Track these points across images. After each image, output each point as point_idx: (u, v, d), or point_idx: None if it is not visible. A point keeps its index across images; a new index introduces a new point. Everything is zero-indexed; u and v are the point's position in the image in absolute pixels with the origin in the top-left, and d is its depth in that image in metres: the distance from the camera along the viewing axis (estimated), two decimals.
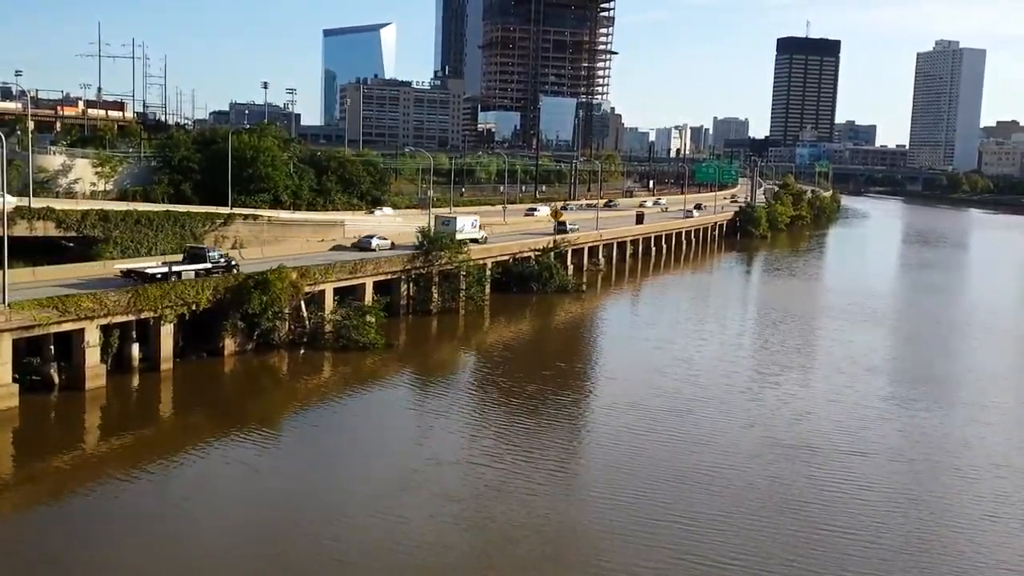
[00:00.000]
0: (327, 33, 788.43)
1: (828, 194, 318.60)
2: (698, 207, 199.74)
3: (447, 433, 56.06)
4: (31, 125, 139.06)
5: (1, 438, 51.92)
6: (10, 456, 50.89)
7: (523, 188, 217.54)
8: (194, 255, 72.74)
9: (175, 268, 68.83)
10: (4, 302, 54.43)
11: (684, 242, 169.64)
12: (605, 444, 55.52)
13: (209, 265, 71.38)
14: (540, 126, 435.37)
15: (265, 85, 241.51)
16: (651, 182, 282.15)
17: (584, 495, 47.12)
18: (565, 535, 41.81)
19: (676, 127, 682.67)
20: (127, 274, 68.18)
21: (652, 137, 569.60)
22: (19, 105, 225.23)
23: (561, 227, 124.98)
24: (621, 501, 45.62)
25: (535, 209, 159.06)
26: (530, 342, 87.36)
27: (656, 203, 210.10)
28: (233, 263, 74.40)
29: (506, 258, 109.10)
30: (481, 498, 45.18)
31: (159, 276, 67.27)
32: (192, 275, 69.10)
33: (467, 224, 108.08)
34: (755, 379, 72.67)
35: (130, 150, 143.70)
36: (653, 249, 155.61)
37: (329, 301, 79.17)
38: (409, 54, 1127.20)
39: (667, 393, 66.30)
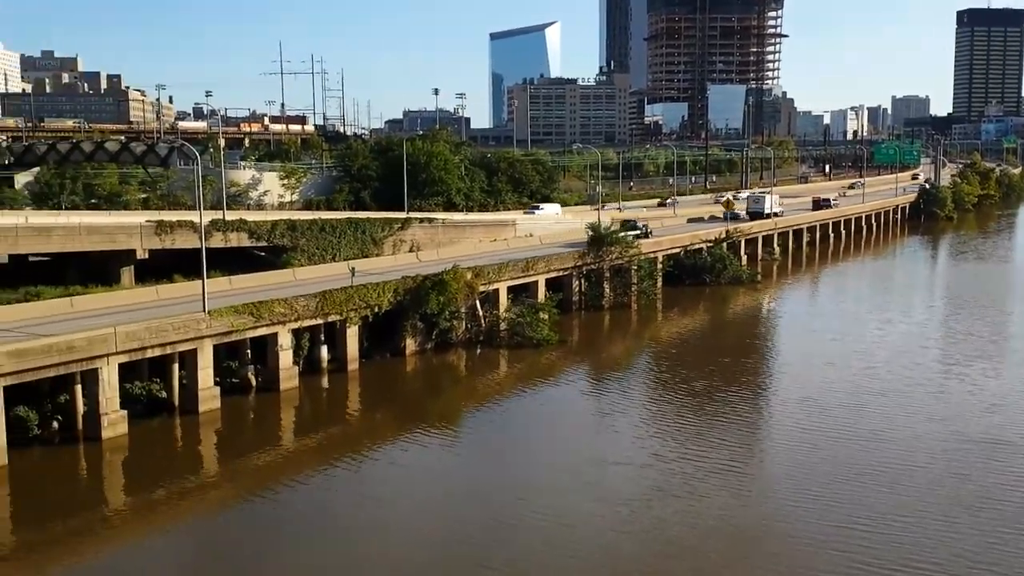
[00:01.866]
0: (493, 37, 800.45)
1: (1018, 171, 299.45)
2: (852, 187, 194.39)
3: (616, 432, 56.00)
4: (222, 142, 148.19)
5: (205, 438, 55.86)
6: (214, 455, 54.66)
7: (692, 180, 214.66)
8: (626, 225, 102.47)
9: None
10: (205, 310, 58.47)
11: (864, 227, 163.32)
12: (779, 442, 54.19)
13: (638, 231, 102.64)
14: (708, 115, 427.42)
15: (436, 92, 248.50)
16: (827, 167, 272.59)
17: (758, 496, 45.56)
18: (739, 539, 40.56)
19: (852, 108, 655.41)
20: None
21: (826, 120, 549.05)
22: (207, 124, 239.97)
23: (734, 216, 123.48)
24: (798, 502, 44.14)
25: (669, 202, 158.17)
26: (702, 336, 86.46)
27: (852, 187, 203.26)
28: (650, 231, 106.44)
29: (677, 250, 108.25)
30: (649, 500, 44.38)
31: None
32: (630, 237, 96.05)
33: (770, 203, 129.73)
34: (940, 371, 69.46)
35: (312, 162, 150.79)
36: (831, 236, 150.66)
37: (503, 299, 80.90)
38: (574, 52, 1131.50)
39: (844, 387, 64.25)
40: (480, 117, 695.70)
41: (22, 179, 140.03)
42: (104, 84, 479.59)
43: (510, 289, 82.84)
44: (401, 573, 38.10)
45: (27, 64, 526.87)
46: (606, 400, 63.76)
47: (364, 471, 50.14)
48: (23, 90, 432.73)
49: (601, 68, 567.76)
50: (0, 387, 47.39)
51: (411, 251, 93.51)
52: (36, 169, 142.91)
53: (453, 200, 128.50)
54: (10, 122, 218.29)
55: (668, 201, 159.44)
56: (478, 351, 75.37)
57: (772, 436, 55.58)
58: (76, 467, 50.62)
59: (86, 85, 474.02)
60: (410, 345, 72.49)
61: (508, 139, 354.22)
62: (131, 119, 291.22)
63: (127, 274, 76.81)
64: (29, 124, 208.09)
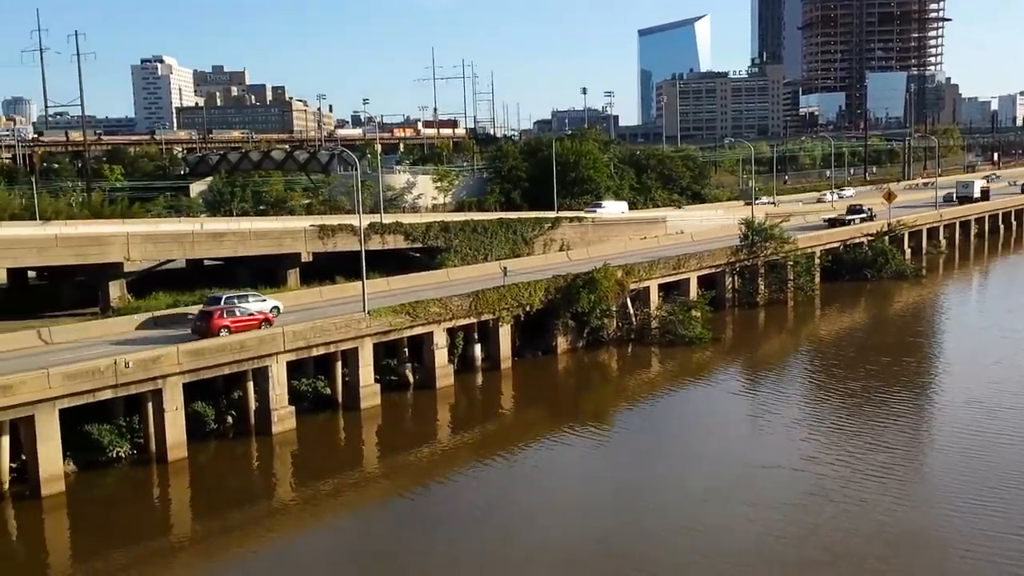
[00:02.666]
0: (642, 33, 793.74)
1: None
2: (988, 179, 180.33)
3: (769, 434, 54.85)
4: (379, 148, 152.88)
5: (366, 433, 58.03)
6: (374, 450, 56.72)
7: (851, 171, 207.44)
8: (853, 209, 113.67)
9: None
10: (365, 310, 60.75)
11: None
12: (942, 445, 51.84)
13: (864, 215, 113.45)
14: (867, 104, 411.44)
15: (584, 91, 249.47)
16: (995, 155, 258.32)
17: (919, 502, 43.64)
18: (899, 547, 38.98)
19: (1022, 93, 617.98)
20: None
21: (994, 106, 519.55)
22: (362, 131, 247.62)
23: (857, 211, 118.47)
24: (963, 510, 41.91)
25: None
26: (861, 333, 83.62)
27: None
28: (874, 214, 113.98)
29: (836, 245, 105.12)
30: (804, 505, 43.17)
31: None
32: (856, 222, 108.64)
33: None
34: None
35: (464, 164, 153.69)
36: (1002, 227, 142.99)
37: (654, 297, 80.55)
38: (725, 45, 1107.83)
39: (1014, 387, 61.01)
40: (629, 115, 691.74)
41: (197, 188, 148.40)
42: (269, 96, 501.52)
43: (661, 287, 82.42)
44: (549, 574, 38.68)
45: (199, 79, 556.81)
46: (759, 400, 62.68)
47: (517, 469, 50.99)
48: (196, 104, 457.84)
49: (753, 60, 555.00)
50: (180, 384, 50.66)
51: (561, 250, 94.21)
52: (209, 178, 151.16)
53: (603, 198, 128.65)
54: (182, 134, 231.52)
55: (830, 196, 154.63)
56: (629, 349, 75.36)
57: (935, 439, 53.30)
58: (249, 460, 53.52)
59: (253, 97, 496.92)
60: (561, 343, 73.13)
61: (657, 136, 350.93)
62: (294, 128, 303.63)
63: (293, 276, 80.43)
64: (199, 136, 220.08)
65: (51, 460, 45.55)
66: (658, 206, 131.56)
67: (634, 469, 50.14)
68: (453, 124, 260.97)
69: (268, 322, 59.83)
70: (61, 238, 70.71)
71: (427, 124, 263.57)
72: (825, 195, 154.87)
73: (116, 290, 71.32)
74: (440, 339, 65.03)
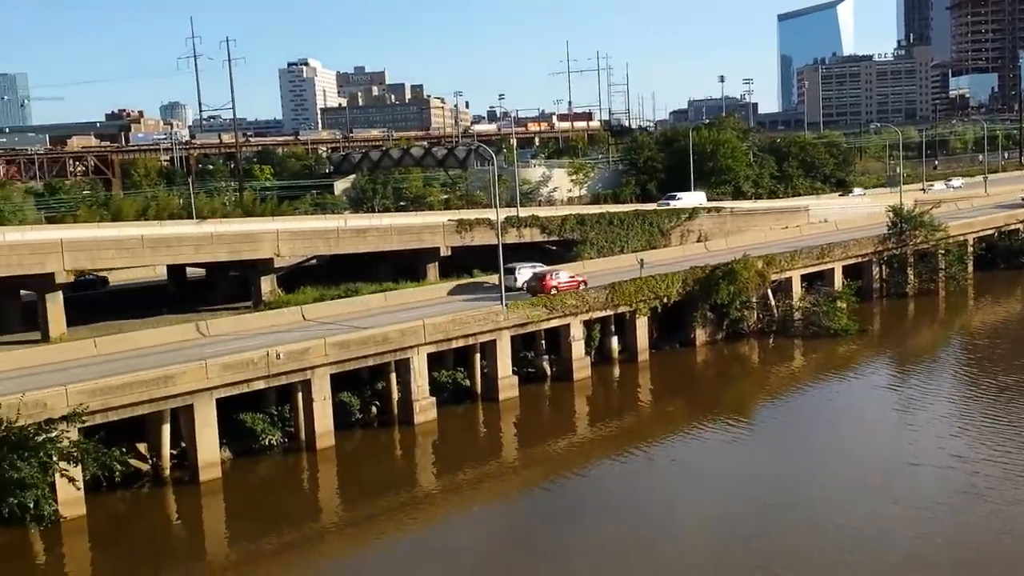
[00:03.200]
0: (781, 18, 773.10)
1: None
2: None
3: (916, 430, 52.69)
4: (514, 143, 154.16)
5: (505, 424, 58.72)
6: (512, 441, 57.36)
7: (1006, 155, 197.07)
8: None
9: None
10: (503, 303, 61.50)
11: None
12: None
13: None
14: (1021, 85, 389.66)
15: (721, 79, 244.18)
16: None
17: None
18: None
19: None
20: None
21: None
22: (496, 126, 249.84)
23: None
24: None
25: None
26: (1017, 324, 79.59)
27: None
28: None
29: (990, 232, 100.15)
30: (953, 504, 41.59)
31: None
32: None
33: None
34: None
35: (599, 156, 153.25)
36: None
37: (797, 288, 78.60)
38: (869, 27, 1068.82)
39: None
40: (768, 102, 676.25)
41: (340, 185, 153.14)
42: (408, 94, 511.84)
43: (804, 277, 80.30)
44: (681, 572, 38.27)
45: (342, 80, 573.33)
46: (906, 394, 60.39)
47: (655, 462, 50.70)
48: (339, 104, 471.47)
49: (899, 42, 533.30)
50: (327, 374, 52.48)
51: (699, 241, 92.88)
52: (352, 176, 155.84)
53: (741, 188, 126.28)
54: (324, 134, 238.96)
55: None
56: (771, 341, 73.78)
57: None
58: (392, 449, 54.99)
59: (392, 96, 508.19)
60: (700, 335, 72.22)
61: (798, 122, 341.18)
62: (432, 125, 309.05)
63: (432, 270, 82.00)
64: (341, 136, 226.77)
65: (209, 447, 47.92)
66: (799, 195, 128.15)
67: (776, 465, 49.16)
68: (588, 117, 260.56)
69: (584, 284, 67.94)
70: (216, 236, 74.09)
71: (561, 118, 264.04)
72: (932, 185, 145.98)
73: (267, 284, 74.31)
74: (577, 331, 65.19)
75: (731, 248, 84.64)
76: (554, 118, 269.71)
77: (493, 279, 68.73)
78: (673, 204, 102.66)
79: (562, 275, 68.87)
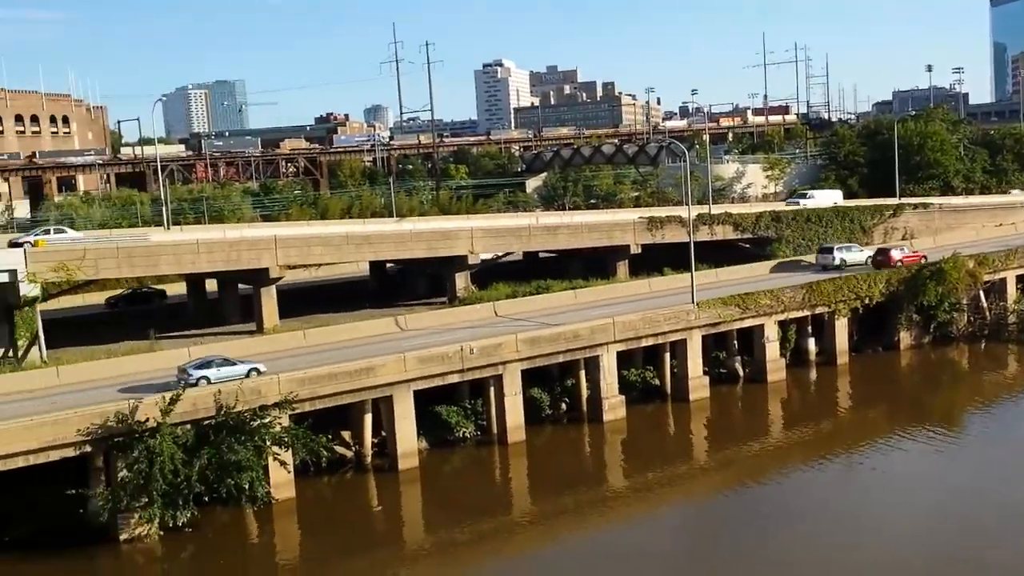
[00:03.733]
0: (994, 3, 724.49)
1: None
2: None
3: None
4: (707, 138, 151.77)
5: (695, 426, 57.99)
6: (703, 443, 56.58)
7: None
8: None
9: None
10: (694, 301, 60.78)
11: None
12: None
13: None
14: None
15: (929, 68, 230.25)
16: None
17: None
18: None
19: None
20: None
21: None
22: (687, 122, 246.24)
23: None
24: None
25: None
26: None
27: None
28: None
29: None
30: None
31: None
32: None
33: None
34: None
35: (796, 151, 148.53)
36: None
37: (1012, 290, 73.77)
38: None
39: None
40: (980, 92, 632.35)
41: (532, 183, 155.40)
42: (600, 92, 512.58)
43: (1020, 278, 75.23)
44: None
45: (535, 80, 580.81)
46: None
47: (855, 471, 48.85)
48: (532, 103, 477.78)
49: None
50: (519, 370, 53.49)
51: (904, 239, 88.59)
52: (543, 174, 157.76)
53: (951, 183, 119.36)
54: (515, 133, 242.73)
55: None
56: (982, 346, 69.58)
57: None
58: (581, 446, 55.45)
59: (584, 94, 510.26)
60: (904, 338, 68.96)
61: (1013, 113, 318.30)
62: (624, 122, 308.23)
63: (622, 268, 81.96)
64: (530, 135, 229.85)
65: (407, 437, 49.86)
66: (1014, 190, 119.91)
67: (989, 480, 46.25)
68: (783, 110, 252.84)
69: (924, 259, 72.36)
70: (415, 233, 76.82)
71: (756, 112, 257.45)
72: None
73: (461, 281, 76.39)
74: (771, 332, 63.62)
75: (939, 246, 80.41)
76: (749, 112, 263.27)
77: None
78: (803, 203, 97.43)
79: (905, 249, 75.84)
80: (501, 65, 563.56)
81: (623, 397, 57.59)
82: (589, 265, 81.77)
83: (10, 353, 57.54)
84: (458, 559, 41.04)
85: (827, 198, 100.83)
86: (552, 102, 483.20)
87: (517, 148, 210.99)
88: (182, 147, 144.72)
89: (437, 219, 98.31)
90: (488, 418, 54.33)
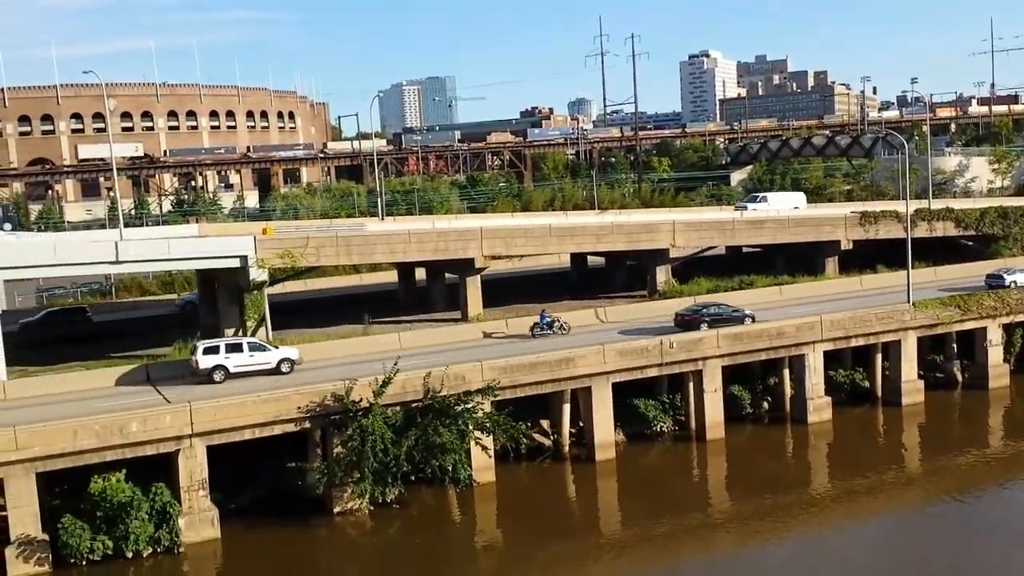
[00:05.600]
0: None
1: None
2: None
3: None
4: (927, 129, 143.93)
5: (907, 432, 55.27)
6: (915, 451, 53.77)
7: None
8: None
9: None
10: (909, 301, 57.98)
11: None
12: None
13: None
14: None
15: None
16: None
17: None
18: None
19: None
20: None
21: None
22: (899, 112, 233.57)
23: None
24: None
25: None
26: None
27: None
28: None
29: None
30: None
31: None
32: None
33: None
34: None
35: None
36: None
37: None
38: None
39: None
40: None
41: (737, 176, 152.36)
42: (811, 81, 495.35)
43: None
44: None
45: (742, 70, 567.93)
46: None
47: None
48: (738, 95, 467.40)
49: None
50: (719, 366, 52.81)
51: None
52: (749, 167, 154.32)
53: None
54: (711, 126, 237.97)
55: None
56: None
57: None
58: (783, 447, 54.06)
59: (794, 84, 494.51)
60: None
61: None
62: (835, 113, 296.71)
63: (831, 264, 79.10)
64: (728, 126, 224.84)
65: (604, 429, 50.29)
66: None
67: None
68: (1012, 100, 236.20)
69: None
70: (616, 226, 77.02)
71: (982, 101, 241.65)
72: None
73: (662, 274, 75.99)
74: (994, 335, 59.87)
75: None
76: (974, 102, 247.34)
77: None
78: (753, 208, 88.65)
79: None
80: (707, 56, 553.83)
81: (829, 398, 55.76)
82: (795, 261, 79.43)
83: (240, 333, 61.90)
84: (655, 553, 41.06)
85: (785, 201, 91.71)
86: (760, 93, 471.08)
87: (722, 140, 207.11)
88: (382, 142, 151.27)
89: (638, 212, 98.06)
90: (686, 413, 53.97)
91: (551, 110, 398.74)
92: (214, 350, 49.46)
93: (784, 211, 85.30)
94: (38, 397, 47.86)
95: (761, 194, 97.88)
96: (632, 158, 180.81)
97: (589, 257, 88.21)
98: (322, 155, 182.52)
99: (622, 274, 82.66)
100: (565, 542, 41.98)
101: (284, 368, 50.00)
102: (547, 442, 51.62)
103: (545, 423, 52.15)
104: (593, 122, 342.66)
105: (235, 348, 50.03)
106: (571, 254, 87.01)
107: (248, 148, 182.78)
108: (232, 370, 49.02)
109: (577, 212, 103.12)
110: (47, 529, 39.33)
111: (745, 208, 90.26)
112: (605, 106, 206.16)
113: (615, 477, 49.04)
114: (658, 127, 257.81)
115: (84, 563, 39.13)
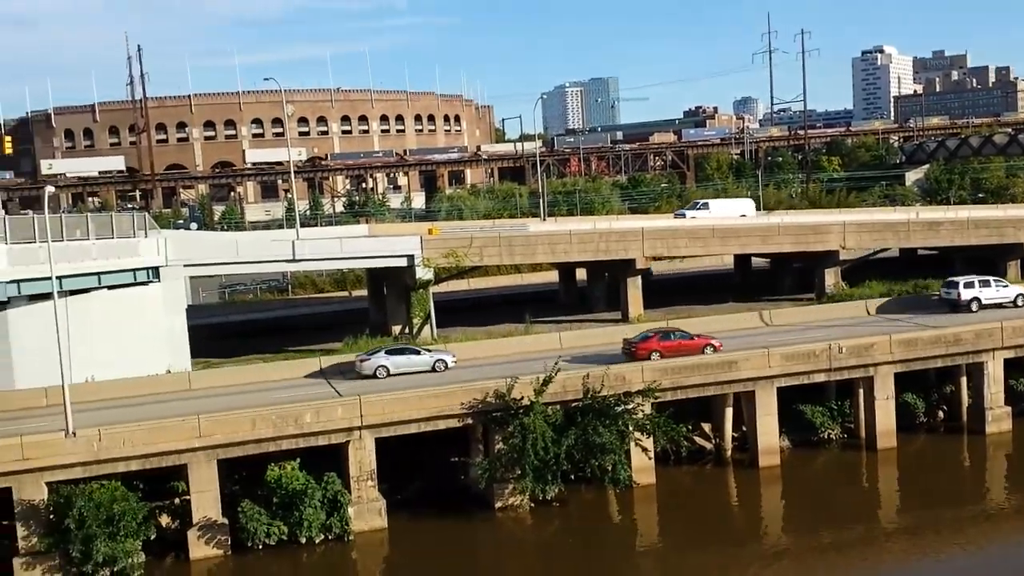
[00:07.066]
0: None
1: None
2: None
3: None
4: None
5: None
6: None
7: None
8: None
9: None
10: None
11: None
12: None
13: None
14: None
15: None
16: None
17: None
18: None
19: None
20: None
21: None
22: None
23: None
24: None
25: None
26: None
27: None
28: None
29: None
30: None
31: None
32: None
33: None
34: None
35: None
36: None
37: None
38: None
39: None
40: None
41: (912, 176, 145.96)
42: (992, 77, 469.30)
43: None
44: None
45: (919, 66, 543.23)
46: None
47: None
48: (914, 91, 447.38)
49: None
50: (891, 373, 50.78)
51: None
52: (925, 166, 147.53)
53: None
54: (877, 124, 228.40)
55: None
56: None
57: None
58: (959, 458, 51.54)
59: (974, 80, 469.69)
60: None
61: None
62: (1019, 111, 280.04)
63: (1013, 267, 74.81)
64: (896, 124, 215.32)
65: (769, 434, 49.17)
66: None
67: None
68: None
69: None
70: (782, 227, 75.16)
71: None
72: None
73: (831, 277, 73.65)
74: None
75: None
76: None
77: None
78: (693, 216, 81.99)
79: None
80: (882, 51, 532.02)
81: (1009, 408, 52.75)
82: (973, 263, 75.38)
83: (406, 330, 63.95)
84: (819, 564, 39.92)
85: (728, 208, 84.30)
86: (937, 89, 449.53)
87: (896, 139, 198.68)
88: (536, 144, 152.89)
89: (806, 213, 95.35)
90: (855, 421, 52.18)
91: (715, 109, 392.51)
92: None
93: (730, 219, 79.51)
94: (219, 388, 50.75)
95: (702, 201, 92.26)
96: (800, 157, 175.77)
97: (753, 258, 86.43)
98: (476, 157, 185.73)
99: (788, 276, 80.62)
100: (726, 548, 41.33)
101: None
102: (709, 446, 50.97)
103: (707, 426, 51.49)
104: (760, 121, 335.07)
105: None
106: (735, 255, 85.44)
107: (404, 151, 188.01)
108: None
109: None
110: (226, 514, 41.59)
111: (683, 215, 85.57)
112: (772, 104, 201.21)
113: (779, 484, 47.93)
114: (828, 125, 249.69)
115: (260, 547, 41.13)
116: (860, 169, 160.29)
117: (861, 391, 51.47)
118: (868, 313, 62.32)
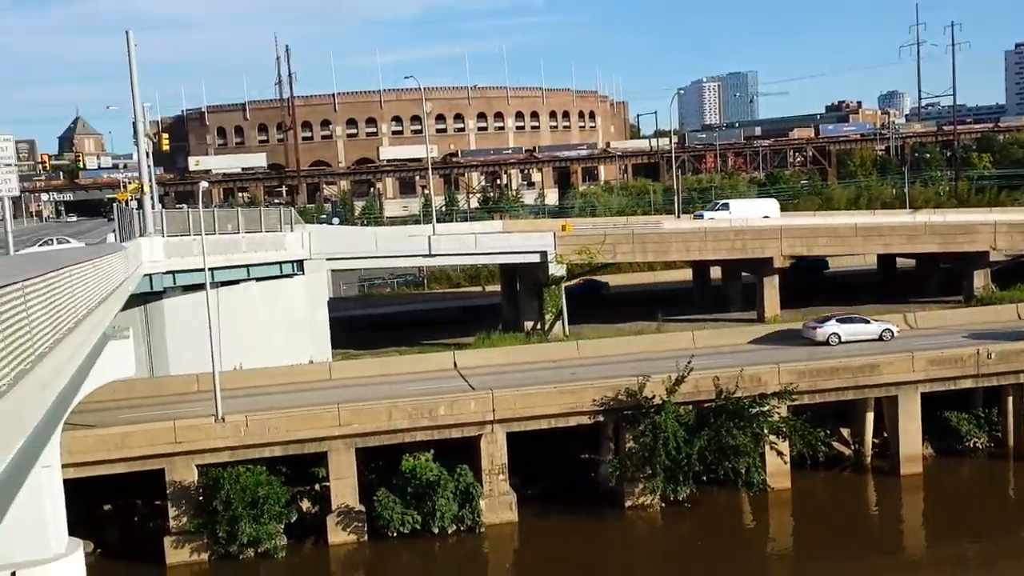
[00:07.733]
0: None
1: None
2: None
3: None
4: None
5: None
6: None
7: None
8: None
9: None
10: None
11: None
12: None
13: None
14: None
15: None
16: None
17: None
18: None
19: None
20: None
21: None
22: None
23: None
24: None
25: None
26: None
27: None
28: None
29: None
30: None
31: None
32: None
33: None
34: None
35: None
36: None
37: None
38: None
39: None
40: None
41: None
42: None
43: None
44: None
45: None
46: None
47: None
48: None
49: None
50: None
51: None
52: None
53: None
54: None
55: None
56: None
57: None
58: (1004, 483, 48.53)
59: None
60: None
61: None
62: None
63: None
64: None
65: (911, 441, 47.42)
66: None
67: None
68: None
69: None
70: (928, 226, 72.35)
71: None
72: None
73: (980, 279, 70.46)
74: None
75: None
76: None
77: None
78: (711, 216, 78.00)
79: None
80: None
81: None
82: None
83: (538, 326, 64.40)
84: None
85: (753, 209, 79.17)
86: None
87: None
88: (663, 140, 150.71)
89: (954, 211, 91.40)
90: (1004, 430, 49.80)
91: (859, 104, 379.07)
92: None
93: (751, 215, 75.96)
94: (357, 378, 52.22)
95: (723, 201, 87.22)
96: (948, 154, 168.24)
97: (898, 258, 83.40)
98: (606, 154, 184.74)
99: (935, 277, 77.48)
100: (864, 558, 40.12)
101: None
102: (847, 451, 49.53)
103: (846, 431, 50.02)
104: (906, 116, 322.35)
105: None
106: (878, 255, 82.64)
107: (535, 148, 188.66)
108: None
109: (885, 211, 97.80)
110: (363, 501, 42.75)
111: (702, 217, 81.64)
112: (920, 99, 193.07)
113: (920, 493, 46.27)
114: (977, 121, 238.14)
115: (395, 535, 42.14)
116: (1012, 166, 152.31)
117: (1010, 399, 49.09)
118: (1020, 317, 59.33)
